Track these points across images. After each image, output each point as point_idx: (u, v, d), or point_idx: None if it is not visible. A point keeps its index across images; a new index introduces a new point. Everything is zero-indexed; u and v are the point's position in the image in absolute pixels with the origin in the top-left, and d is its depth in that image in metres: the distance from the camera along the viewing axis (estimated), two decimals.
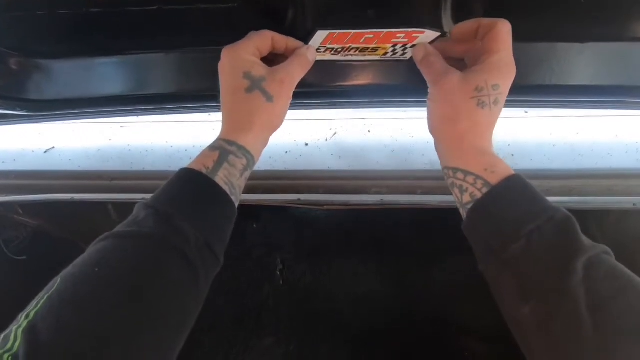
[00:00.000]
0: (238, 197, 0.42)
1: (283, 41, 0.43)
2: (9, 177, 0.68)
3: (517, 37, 0.40)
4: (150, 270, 0.33)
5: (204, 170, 0.38)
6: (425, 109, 0.43)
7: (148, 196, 0.65)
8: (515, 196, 0.36)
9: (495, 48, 0.38)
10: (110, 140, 0.74)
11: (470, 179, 0.38)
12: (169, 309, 0.33)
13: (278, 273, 1.07)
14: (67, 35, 0.49)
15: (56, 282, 0.31)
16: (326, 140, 0.69)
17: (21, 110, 0.56)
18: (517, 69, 0.51)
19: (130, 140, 0.73)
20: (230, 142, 0.40)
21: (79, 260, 0.33)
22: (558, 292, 0.31)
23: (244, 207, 0.41)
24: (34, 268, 0.74)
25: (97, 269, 0.32)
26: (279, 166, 0.65)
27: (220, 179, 0.39)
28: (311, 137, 0.70)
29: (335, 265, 1.05)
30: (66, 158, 0.72)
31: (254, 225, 1.08)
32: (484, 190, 0.37)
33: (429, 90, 0.42)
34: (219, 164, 0.39)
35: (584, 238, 0.33)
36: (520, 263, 0.33)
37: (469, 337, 0.96)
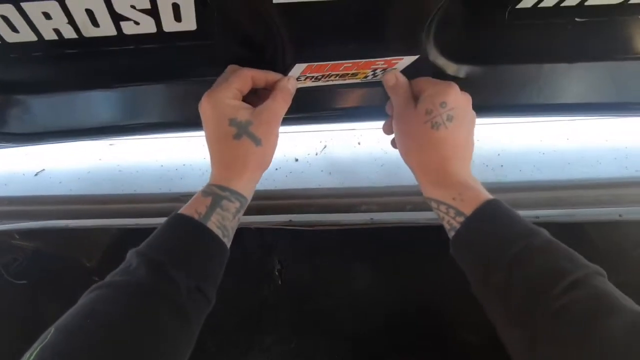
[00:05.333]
0: (231, 237, 0.42)
1: (262, 77, 0.42)
2: (1, 204, 0.68)
3: (507, 58, 0.40)
4: (141, 321, 0.34)
5: (196, 216, 0.39)
6: None
7: (141, 221, 0.67)
8: (488, 226, 0.37)
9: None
10: (100, 160, 0.74)
11: (443, 208, 0.40)
12: (159, 356, 0.34)
13: (276, 273, 1.08)
14: (45, 71, 0.48)
15: (49, 333, 0.32)
16: (316, 154, 0.69)
17: (6, 143, 0.56)
18: (505, 89, 0.50)
19: (120, 160, 0.73)
20: (223, 188, 0.40)
21: (72, 311, 0.34)
22: (541, 317, 0.32)
23: None
24: (34, 290, 0.76)
25: (88, 321, 0.33)
26: (269, 184, 0.66)
27: (212, 223, 0.39)
28: (301, 151, 0.70)
29: (333, 263, 1.07)
30: (57, 181, 0.71)
31: (251, 227, 1.08)
32: (458, 219, 0.38)
33: (393, 122, 0.43)
34: (211, 209, 0.39)
35: (566, 261, 0.34)
36: (504, 292, 0.35)
37: (467, 332, 0.99)
